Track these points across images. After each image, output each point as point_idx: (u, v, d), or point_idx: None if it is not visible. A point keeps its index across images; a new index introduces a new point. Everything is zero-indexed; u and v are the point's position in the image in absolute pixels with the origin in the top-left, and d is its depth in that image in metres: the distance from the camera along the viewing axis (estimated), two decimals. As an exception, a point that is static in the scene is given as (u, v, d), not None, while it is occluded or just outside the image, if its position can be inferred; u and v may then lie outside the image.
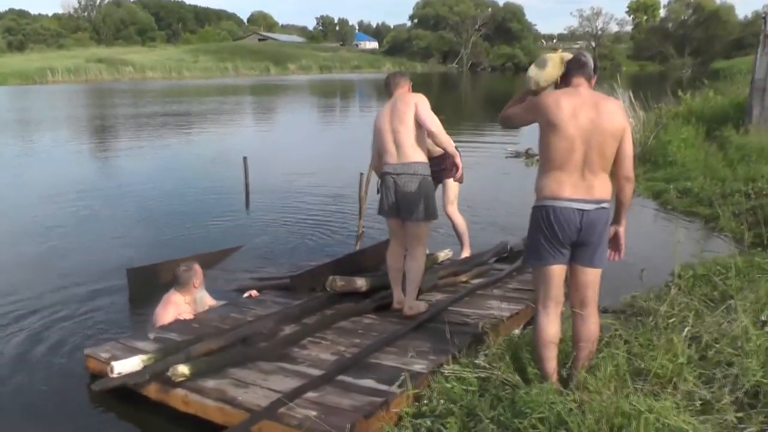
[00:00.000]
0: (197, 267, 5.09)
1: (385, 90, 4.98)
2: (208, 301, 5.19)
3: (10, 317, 5.31)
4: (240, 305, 5.22)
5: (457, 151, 6.26)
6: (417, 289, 4.73)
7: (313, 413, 3.30)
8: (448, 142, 4.78)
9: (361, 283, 5.09)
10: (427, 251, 6.23)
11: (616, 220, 3.41)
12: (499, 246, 6.33)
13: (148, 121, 22.11)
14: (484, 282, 5.46)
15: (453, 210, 6.22)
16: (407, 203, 4.62)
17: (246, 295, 5.49)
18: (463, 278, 5.57)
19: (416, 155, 4.62)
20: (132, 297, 5.77)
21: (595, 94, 3.31)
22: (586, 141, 3.17)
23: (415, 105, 4.58)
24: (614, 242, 3.45)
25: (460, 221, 6.24)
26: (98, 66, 55.15)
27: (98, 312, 5.49)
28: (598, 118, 3.18)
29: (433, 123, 4.62)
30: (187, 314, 4.93)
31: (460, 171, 6.10)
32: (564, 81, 3.37)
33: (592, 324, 3.39)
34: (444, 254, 6.18)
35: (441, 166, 6.10)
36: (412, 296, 4.69)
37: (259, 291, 5.54)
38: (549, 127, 3.21)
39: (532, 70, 3.44)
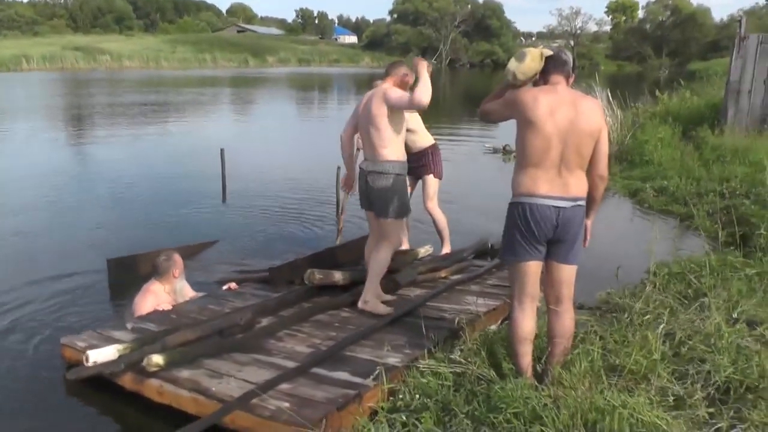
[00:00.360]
0: (177, 257, 5.06)
1: None
2: (187, 292, 5.16)
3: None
4: (219, 297, 5.19)
5: (438, 149, 6.28)
6: (375, 283, 4.68)
7: (286, 405, 3.29)
8: (416, 99, 4.35)
9: (339, 276, 5.07)
10: (407, 246, 6.24)
11: (586, 215, 3.42)
12: (480, 242, 6.36)
13: (125, 111, 21.85)
14: (463, 278, 5.46)
15: (433, 206, 6.22)
16: (378, 200, 4.62)
17: (225, 287, 5.46)
18: (442, 274, 5.56)
19: (389, 154, 4.56)
20: (112, 287, 5.74)
21: (573, 93, 3.30)
22: (563, 139, 3.17)
23: (384, 100, 4.46)
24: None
25: (440, 218, 6.24)
26: (75, 54, 54.42)
27: (77, 302, 5.43)
28: (576, 117, 3.18)
29: (401, 98, 4.44)
30: (166, 304, 4.89)
31: (440, 165, 6.10)
32: (543, 78, 3.36)
33: (567, 320, 3.40)
34: (424, 250, 6.17)
35: (420, 162, 6.11)
36: (368, 289, 4.66)
37: (238, 283, 5.52)
38: (526, 124, 3.21)
39: (512, 63, 3.41)
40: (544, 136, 3.16)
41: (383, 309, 4.61)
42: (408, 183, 6.20)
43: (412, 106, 4.39)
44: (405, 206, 4.71)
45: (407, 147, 6.00)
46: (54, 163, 11.98)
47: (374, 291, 4.69)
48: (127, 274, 5.75)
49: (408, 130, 5.87)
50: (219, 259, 6.63)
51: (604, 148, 3.30)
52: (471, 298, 4.83)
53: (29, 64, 48.42)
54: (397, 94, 4.47)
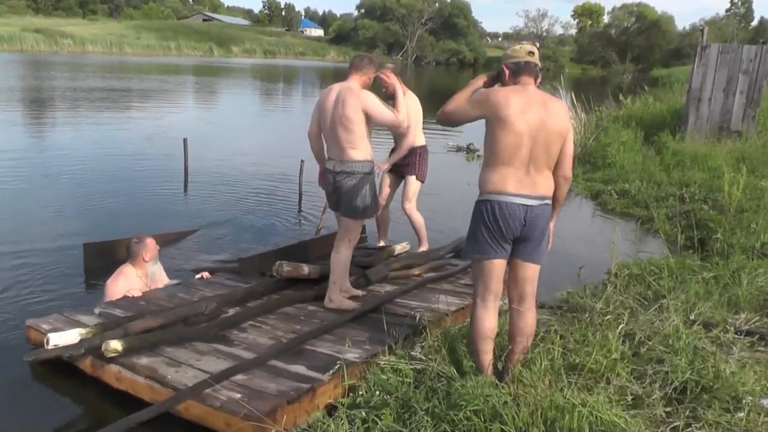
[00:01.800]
0: (149, 241, 5.00)
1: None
2: (161, 278, 5.13)
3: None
4: (189, 285, 5.14)
5: (427, 151, 6.19)
6: (339, 281, 4.63)
7: (238, 396, 3.26)
8: (399, 122, 4.53)
9: (308, 270, 5.01)
10: (383, 243, 6.23)
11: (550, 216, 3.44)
12: (457, 241, 6.30)
13: (87, 96, 21.38)
14: (436, 276, 5.45)
15: (411, 207, 6.13)
16: (345, 199, 4.54)
17: (198, 276, 5.43)
18: (415, 272, 5.54)
19: (358, 155, 4.45)
20: (88, 271, 5.71)
21: (542, 94, 3.33)
22: (533, 138, 3.18)
23: (362, 109, 4.35)
24: None
25: (417, 218, 6.17)
26: (35, 36, 53.06)
27: (50, 285, 5.41)
28: (547, 117, 3.20)
29: (384, 115, 4.43)
30: (138, 289, 4.86)
31: (425, 168, 6.05)
32: (512, 80, 3.37)
33: (529, 319, 3.41)
34: (401, 247, 6.13)
35: (406, 161, 6.01)
36: (332, 289, 4.61)
37: (211, 273, 5.47)
38: (498, 122, 3.20)
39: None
40: (516, 134, 3.16)
41: (349, 305, 4.57)
42: (388, 181, 6.19)
43: (392, 127, 4.38)
44: (372, 207, 4.62)
45: (395, 141, 5.98)
46: (11, 146, 11.64)
47: (339, 289, 4.63)
48: (103, 258, 5.70)
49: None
50: (195, 249, 6.60)
51: (570, 150, 3.33)
52: (441, 297, 4.81)
53: (-15, 44, 47.11)
54: (380, 110, 4.40)
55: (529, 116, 3.17)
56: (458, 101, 3.39)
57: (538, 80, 3.39)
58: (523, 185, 3.21)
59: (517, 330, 3.41)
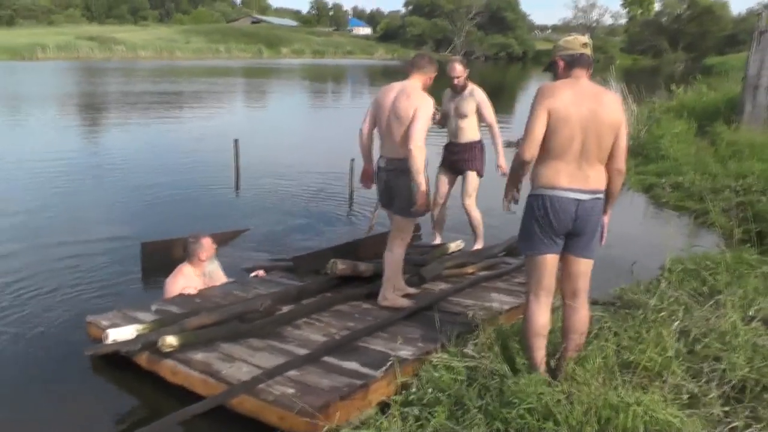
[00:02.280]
0: (205, 240, 5.12)
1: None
2: (218, 276, 5.24)
3: (19, 286, 5.46)
4: (245, 283, 5.25)
5: (484, 146, 6.16)
6: (393, 279, 4.64)
7: (291, 391, 3.33)
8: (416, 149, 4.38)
9: (362, 268, 5.05)
10: (439, 241, 6.26)
11: (604, 210, 3.40)
12: (511, 240, 6.24)
13: (139, 99, 21.91)
14: (490, 274, 5.44)
15: (471, 203, 6.10)
16: (397, 196, 4.52)
17: (253, 274, 5.55)
18: (469, 270, 5.53)
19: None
20: (145, 270, 5.89)
21: (595, 86, 3.31)
22: (585, 130, 3.16)
23: (414, 113, 4.33)
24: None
25: (476, 215, 6.15)
26: (89, 44, 54.51)
27: (110, 283, 5.64)
28: (599, 109, 3.17)
29: (417, 132, 4.32)
30: (195, 287, 4.98)
31: (483, 163, 6.04)
32: (566, 72, 3.35)
33: (582, 315, 3.39)
34: (455, 245, 6.12)
35: (465, 156, 6.02)
36: (386, 287, 4.62)
37: (266, 271, 5.58)
38: (554, 113, 3.18)
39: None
40: (568, 126, 3.15)
41: (403, 303, 4.61)
42: (445, 179, 6.19)
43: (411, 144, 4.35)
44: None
45: (455, 135, 5.99)
46: (69, 149, 12.04)
47: (392, 287, 4.66)
48: (161, 257, 5.86)
49: (462, 116, 5.91)
50: (250, 247, 6.75)
51: (623, 143, 3.28)
52: (495, 295, 4.81)
53: (44, 53, 48.55)
54: (419, 126, 4.32)
55: (581, 109, 3.15)
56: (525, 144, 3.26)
57: (590, 72, 3.36)
58: (575, 179, 3.19)
59: (570, 327, 3.39)
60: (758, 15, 12.85)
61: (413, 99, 4.36)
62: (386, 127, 4.48)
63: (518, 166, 3.31)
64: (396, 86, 4.52)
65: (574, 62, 3.31)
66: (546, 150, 3.23)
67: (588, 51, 3.34)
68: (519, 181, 3.42)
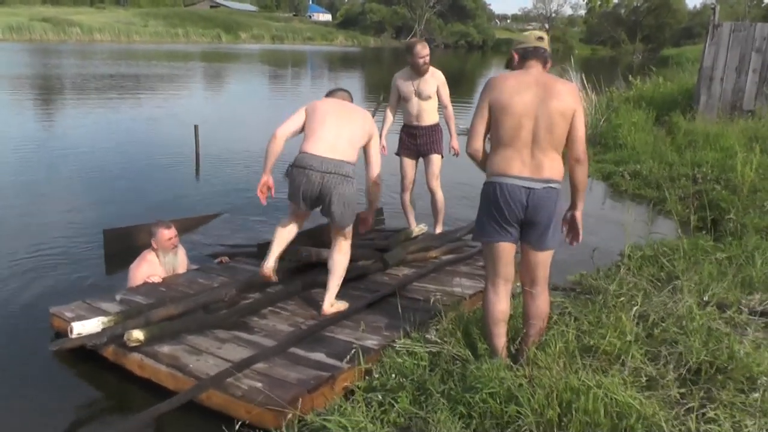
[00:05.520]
0: (171, 226, 5.03)
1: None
2: (182, 263, 5.18)
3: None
4: (209, 271, 5.19)
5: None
6: (339, 285, 4.36)
7: (259, 385, 3.31)
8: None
9: (326, 255, 5.01)
10: (413, 227, 6.16)
11: (573, 205, 3.42)
12: (472, 223, 6.29)
13: (96, 83, 21.45)
14: (453, 258, 5.45)
15: (437, 185, 6.09)
16: (339, 206, 4.17)
17: (217, 261, 5.49)
18: (433, 254, 5.55)
19: (354, 156, 4.28)
20: (108, 258, 5.76)
21: (547, 75, 3.34)
22: (533, 117, 3.18)
23: (369, 127, 4.43)
24: (572, 227, 3.47)
25: (440, 197, 6.14)
26: (43, 25, 53.08)
27: (71, 272, 5.50)
28: (545, 95, 3.19)
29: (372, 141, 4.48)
30: (159, 275, 4.91)
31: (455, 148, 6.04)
32: (521, 64, 3.40)
33: (542, 301, 3.41)
34: (418, 229, 6.10)
35: (430, 139, 6.01)
36: (332, 293, 4.31)
37: (230, 258, 5.52)
38: (495, 105, 3.24)
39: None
40: (513, 115, 3.19)
41: (345, 305, 4.36)
42: (411, 163, 6.15)
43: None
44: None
45: (418, 118, 5.97)
46: (24, 136, 11.70)
47: (336, 292, 4.37)
48: (123, 244, 5.76)
49: (426, 98, 5.91)
50: (216, 233, 6.66)
51: (580, 131, 3.27)
52: (459, 280, 4.81)
53: (-6, 34, 47.19)
54: (367, 131, 4.39)
55: (524, 97, 3.19)
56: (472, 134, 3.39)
57: (548, 65, 3.41)
58: (527, 167, 3.20)
59: (530, 313, 3.42)
60: (712, 9, 13.10)
61: (365, 126, 4.40)
62: (336, 125, 4.26)
63: (470, 157, 3.45)
64: (334, 101, 4.48)
65: (527, 54, 3.38)
66: (496, 139, 3.27)
67: (543, 44, 3.40)
68: (482, 168, 3.46)
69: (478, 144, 3.35)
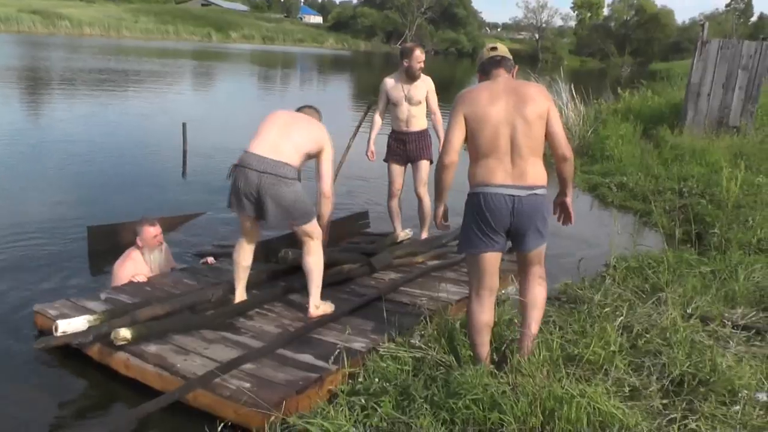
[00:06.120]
0: (156, 224, 4.99)
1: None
2: (167, 262, 5.14)
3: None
4: (195, 271, 5.15)
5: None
6: (320, 285, 4.30)
7: (247, 385, 3.28)
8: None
9: None
10: (398, 233, 6.16)
11: (562, 193, 3.45)
12: (458, 229, 6.28)
13: (85, 78, 21.31)
14: (440, 264, 5.45)
15: (425, 191, 6.04)
16: (291, 210, 4.08)
17: (202, 261, 5.43)
18: (419, 259, 5.54)
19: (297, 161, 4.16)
20: (92, 255, 5.69)
21: (514, 81, 3.37)
22: (509, 125, 3.18)
23: (324, 138, 4.31)
24: (563, 210, 3.49)
25: (428, 203, 6.07)
26: (32, 17, 52.68)
27: (55, 269, 5.41)
28: (519, 101, 3.20)
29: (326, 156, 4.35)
30: (144, 273, 4.86)
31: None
32: (485, 78, 3.42)
33: (541, 290, 3.44)
34: (404, 234, 6.11)
35: (419, 144, 5.99)
36: (314, 295, 4.27)
37: (216, 258, 5.46)
38: (471, 116, 3.23)
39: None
40: (490, 123, 3.19)
41: (331, 308, 4.35)
42: (399, 169, 6.10)
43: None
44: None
45: (408, 123, 5.94)
46: (9, 129, 11.57)
47: (318, 294, 4.33)
48: (108, 242, 5.69)
49: (416, 103, 5.89)
50: (201, 232, 6.62)
51: (558, 128, 3.27)
52: (445, 285, 4.80)
53: (-18, 25, 46.78)
54: (317, 138, 4.27)
55: (498, 106, 3.20)
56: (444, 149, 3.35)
57: (514, 70, 3.45)
58: (509, 176, 3.19)
59: (529, 301, 3.42)
60: (701, 26, 13.24)
61: (321, 137, 4.30)
62: (283, 130, 4.19)
63: (440, 169, 3.34)
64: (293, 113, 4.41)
65: (486, 67, 3.42)
66: (476, 151, 3.27)
67: (497, 52, 3.44)
68: (444, 189, 3.41)
69: (455, 156, 3.30)
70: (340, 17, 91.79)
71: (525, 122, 3.18)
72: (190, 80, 25.98)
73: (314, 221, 4.23)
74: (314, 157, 4.29)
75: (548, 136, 3.26)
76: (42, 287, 4.99)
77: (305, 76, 34.96)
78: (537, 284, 3.43)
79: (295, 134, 4.17)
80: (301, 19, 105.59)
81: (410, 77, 5.83)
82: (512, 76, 3.41)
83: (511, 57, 3.48)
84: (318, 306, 4.27)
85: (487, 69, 3.42)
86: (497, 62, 3.40)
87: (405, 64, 5.81)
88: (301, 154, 4.16)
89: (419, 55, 5.81)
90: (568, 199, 3.47)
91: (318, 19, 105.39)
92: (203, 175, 9.04)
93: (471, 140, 3.27)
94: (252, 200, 4.08)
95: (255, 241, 4.37)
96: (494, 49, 3.47)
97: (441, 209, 3.53)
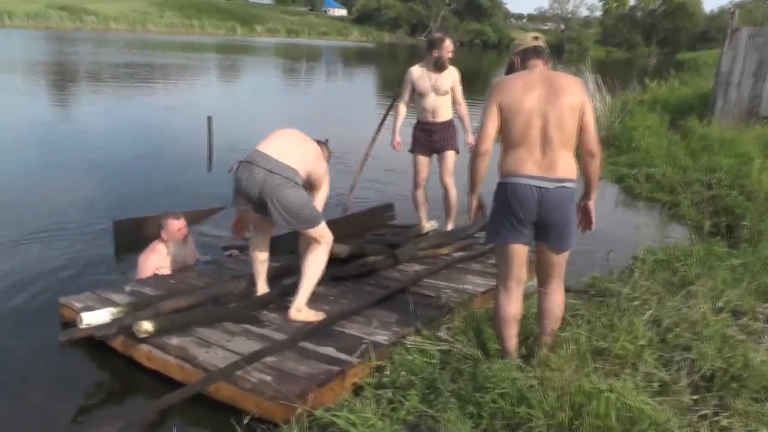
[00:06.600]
0: (180, 218, 5.02)
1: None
2: (191, 255, 5.18)
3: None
4: (219, 263, 5.18)
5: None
6: (311, 288, 4.13)
7: (268, 378, 3.29)
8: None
9: (338, 249, 4.95)
10: (424, 224, 6.13)
11: (586, 195, 3.39)
12: (484, 220, 6.25)
13: (112, 72, 21.54)
14: (465, 256, 5.42)
15: (451, 182, 6.04)
16: (297, 212, 3.97)
17: (227, 253, 5.47)
18: (444, 251, 5.52)
19: (299, 167, 4.11)
20: (118, 248, 5.76)
21: (551, 72, 3.32)
22: (542, 115, 3.15)
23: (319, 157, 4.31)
24: (585, 215, 3.44)
25: (454, 194, 6.08)
26: (59, 13, 53.41)
27: (81, 262, 5.47)
28: (553, 92, 3.17)
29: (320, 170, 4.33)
30: (168, 266, 4.91)
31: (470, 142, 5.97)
32: (522, 65, 3.39)
33: (556, 300, 3.37)
34: (429, 225, 6.08)
35: (445, 134, 5.98)
36: (303, 295, 4.08)
37: (241, 250, 5.47)
38: (505, 106, 3.20)
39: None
40: (522, 113, 3.16)
41: (318, 316, 4.08)
42: (425, 160, 6.10)
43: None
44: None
45: (434, 114, 5.93)
46: (38, 123, 11.74)
47: (307, 296, 4.13)
48: (134, 235, 5.73)
49: (443, 94, 5.88)
50: (224, 225, 6.51)
51: (590, 124, 3.22)
52: (470, 277, 4.77)
53: (12, 21, 47.41)
54: (322, 168, 4.29)
55: (533, 96, 3.16)
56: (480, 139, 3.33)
57: (549, 63, 3.42)
58: (539, 167, 3.16)
59: (544, 312, 3.38)
60: (731, 13, 12.99)
61: (318, 158, 4.28)
62: (293, 141, 4.21)
63: (474, 158, 3.33)
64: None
65: (528, 55, 3.38)
66: (507, 141, 3.24)
67: (540, 43, 3.41)
68: (479, 179, 3.38)
69: (489, 145, 3.28)
70: (365, 9, 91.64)
71: (558, 114, 3.14)
72: (216, 74, 26.13)
73: (322, 224, 4.13)
74: (311, 185, 4.26)
75: (579, 131, 3.22)
76: (68, 280, 5.05)
77: (330, 68, 34.99)
78: (555, 290, 3.37)
79: (305, 148, 4.18)
80: (326, 12, 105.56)
81: (438, 68, 5.81)
82: (547, 67, 3.38)
83: (547, 49, 3.46)
84: (300, 310, 4.05)
85: (526, 57, 3.37)
86: (538, 52, 3.37)
87: (435, 54, 5.78)
88: (308, 167, 4.13)
89: (449, 45, 5.81)
90: (591, 204, 3.40)
91: (342, 12, 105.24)
92: (229, 168, 9.06)
93: (504, 130, 3.24)
94: (253, 200, 4.03)
95: (268, 235, 4.35)
96: (537, 38, 3.44)
97: (475, 200, 3.50)
